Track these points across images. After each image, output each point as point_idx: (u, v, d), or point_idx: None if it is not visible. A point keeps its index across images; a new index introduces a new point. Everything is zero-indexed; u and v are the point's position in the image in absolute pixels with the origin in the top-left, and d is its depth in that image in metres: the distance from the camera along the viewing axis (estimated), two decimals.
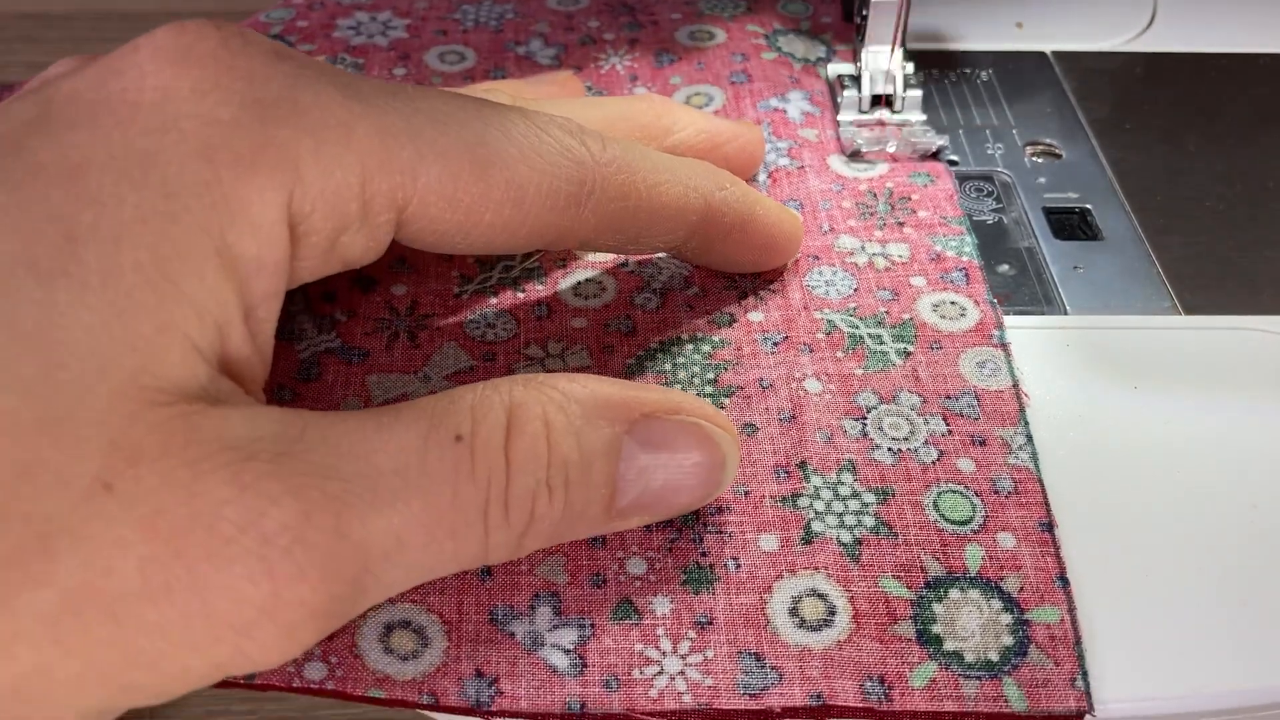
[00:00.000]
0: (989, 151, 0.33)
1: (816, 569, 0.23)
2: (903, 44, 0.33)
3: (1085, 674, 0.21)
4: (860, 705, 0.21)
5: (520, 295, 0.28)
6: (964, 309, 0.28)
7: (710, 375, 0.26)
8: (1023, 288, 0.29)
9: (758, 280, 0.28)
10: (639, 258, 0.29)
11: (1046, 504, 0.24)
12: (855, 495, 0.24)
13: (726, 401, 0.26)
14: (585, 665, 0.21)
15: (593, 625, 0.22)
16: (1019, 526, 0.24)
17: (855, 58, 0.34)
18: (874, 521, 0.23)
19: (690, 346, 0.27)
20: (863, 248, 0.29)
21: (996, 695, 0.21)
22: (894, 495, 0.24)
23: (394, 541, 0.19)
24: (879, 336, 0.27)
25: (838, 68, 0.35)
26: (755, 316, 0.27)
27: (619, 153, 0.24)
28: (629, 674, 0.21)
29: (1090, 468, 0.25)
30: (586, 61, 0.36)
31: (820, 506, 0.24)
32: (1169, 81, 0.36)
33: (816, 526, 0.23)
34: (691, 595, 0.22)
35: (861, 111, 0.33)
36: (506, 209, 0.22)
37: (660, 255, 0.29)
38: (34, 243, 0.18)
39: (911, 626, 0.22)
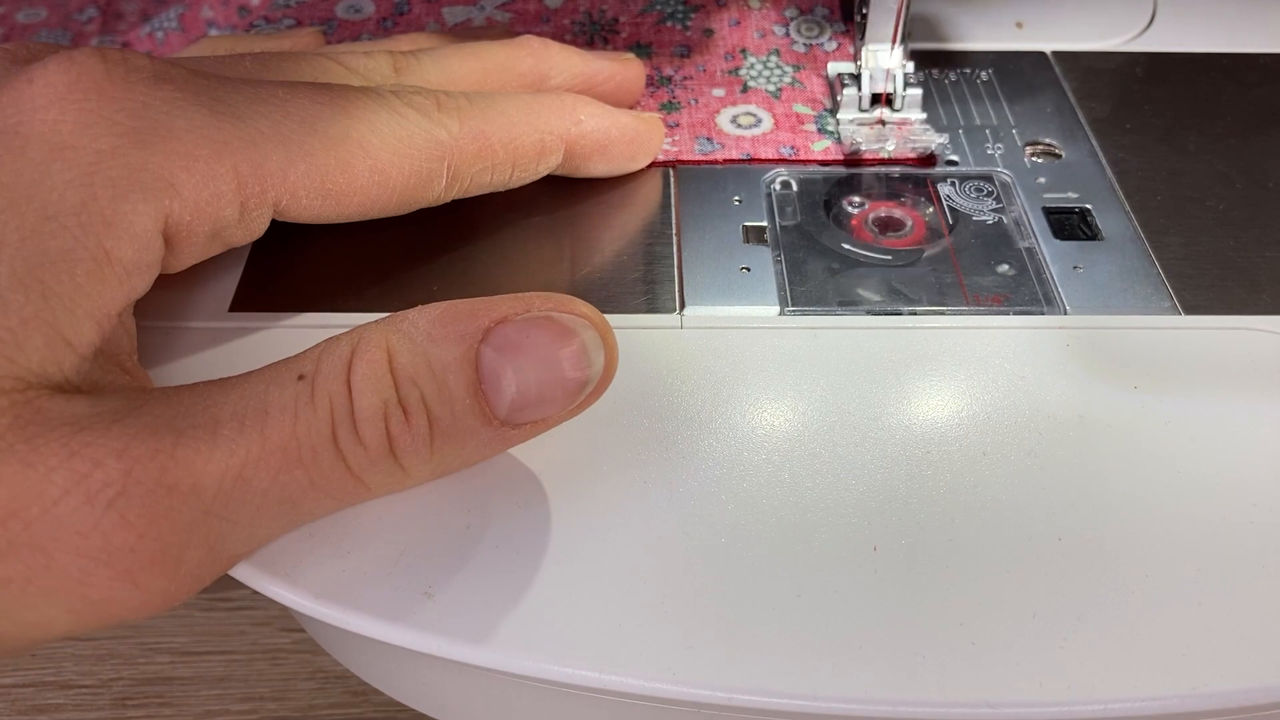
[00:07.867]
0: (989, 151, 0.33)
1: (750, 103, 0.34)
2: (903, 42, 0.33)
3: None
4: (776, 158, 0.33)
5: None
6: None
7: (679, 11, 0.37)
8: (1023, 288, 0.29)
9: None
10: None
11: None
12: (779, 67, 0.35)
13: (694, 17, 0.36)
14: None
15: None
16: None
17: (855, 56, 0.34)
18: (790, 80, 0.35)
19: None
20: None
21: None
22: (805, 69, 0.35)
23: (234, 480, 0.20)
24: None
25: (838, 66, 0.35)
26: None
27: (475, 123, 0.27)
28: None
29: (1090, 468, 0.25)
30: None
31: (754, 73, 0.35)
32: (1169, 81, 0.36)
33: (752, 84, 0.35)
34: (666, 113, 0.34)
35: (861, 110, 0.33)
36: (373, 191, 0.26)
37: None
38: None
39: (814, 125, 0.34)
